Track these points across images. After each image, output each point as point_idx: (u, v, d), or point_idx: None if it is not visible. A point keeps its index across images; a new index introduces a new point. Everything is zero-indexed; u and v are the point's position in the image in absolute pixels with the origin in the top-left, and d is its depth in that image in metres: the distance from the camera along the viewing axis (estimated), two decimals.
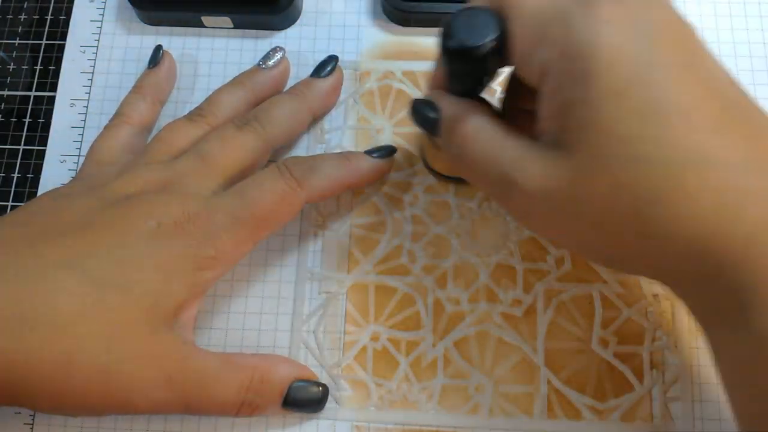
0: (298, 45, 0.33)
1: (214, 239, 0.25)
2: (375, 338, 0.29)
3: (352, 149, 0.31)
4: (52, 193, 0.27)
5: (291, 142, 0.31)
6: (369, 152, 0.29)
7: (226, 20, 0.33)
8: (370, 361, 0.28)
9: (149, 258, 0.24)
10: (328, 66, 0.31)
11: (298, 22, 0.34)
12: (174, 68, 0.32)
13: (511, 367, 0.28)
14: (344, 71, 0.32)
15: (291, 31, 0.33)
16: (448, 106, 0.24)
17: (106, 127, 0.30)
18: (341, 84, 0.32)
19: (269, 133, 0.28)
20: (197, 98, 0.32)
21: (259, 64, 0.31)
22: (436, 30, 0.32)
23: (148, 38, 0.34)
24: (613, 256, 0.22)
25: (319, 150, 0.31)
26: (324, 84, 0.30)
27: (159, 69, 0.32)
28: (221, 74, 0.33)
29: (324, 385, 0.27)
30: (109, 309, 0.23)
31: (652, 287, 0.28)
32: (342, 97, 0.32)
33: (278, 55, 0.31)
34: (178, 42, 0.34)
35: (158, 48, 0.32)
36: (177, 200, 0.25)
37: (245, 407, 0.25)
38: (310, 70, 0.31)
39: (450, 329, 0.28)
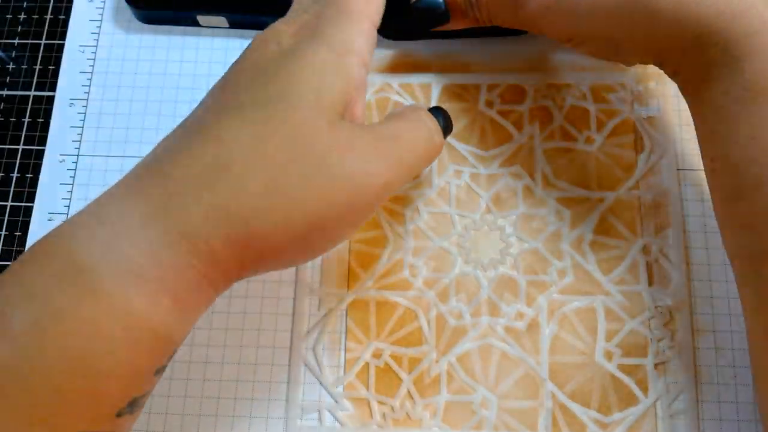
0: None
1: (345, 31, 0.23)
2: (377, 355, 0.28)
3: None
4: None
5: None
6: None
7: (221, 20, 0.33)
8: (372, 379, 0.28)
9: (288, 70, 0.22)
10: None
11: None
12: None
13: (515, 381, 0.28)
14: None
15: None
16: None
17: None
18: None
19: None
20: (197, 98, 0.32)
21: None
22: (431, 42, 0.32)
23: (147, 38, 0.34)
24: (609, 43, 0.25)
25: None
26: None
27: None
28: (221, 74, 0.32)
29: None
30: (281, 121, 0.21)
31: (655, 299, 0.28)
32: None
33: None
34: (177, 42, 0.33)
35: None
36: (281, 20, 0.24)
37: None
38: None
39: (453, 344, 0.28)
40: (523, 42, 0.32)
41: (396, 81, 0.32)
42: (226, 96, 0.22)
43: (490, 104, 0.31)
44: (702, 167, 0.30)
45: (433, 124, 0.25)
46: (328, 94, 0.22)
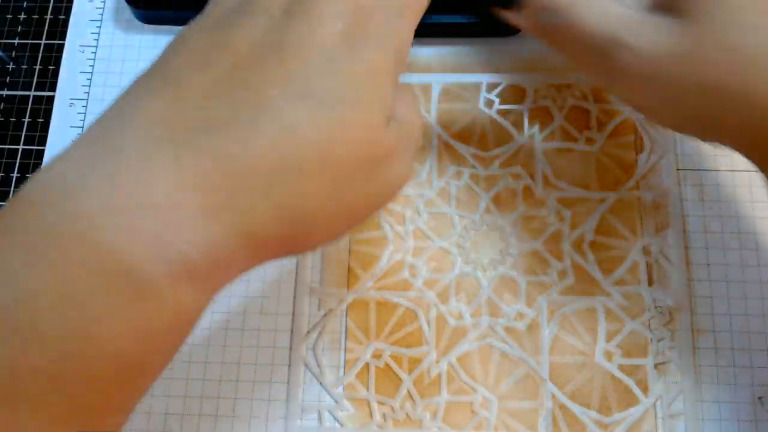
0: None
1: (396, 29, 0.22)
2: (377, 355, 0.28)
3: None
4: (195, 29, 0.22)
5: None
6: None
7: None
8: (372, 379, 0.28)
9: (358, 71, 0.21)
10: None
11: None
12: None
13: (515, 382, 0.28)
14: None
15: None
16: None
17: None
18: None
19: None
20: None
21: None
22: (431, 42, 0.32)
23: (147, 38, 0.34)
24: (710, 124, 0.23)
25: None
26: None
27: None
28: None
29: None
30: (353, 125, 0.20)
31: (655, 299, 0.28)
32: None
33: None
34: None
35: None
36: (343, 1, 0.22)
37: None
38: None
39: (453, 344, 0.28)
40: (523, 42, 0.32)
41: None
42: (292, 72, 0.20)
43: (490, 104, 0.31)
44: (702, 167, 0.30)
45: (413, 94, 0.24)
46: (388, 102, 0.21)
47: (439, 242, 0.29)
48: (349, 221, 0.21)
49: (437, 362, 0.28)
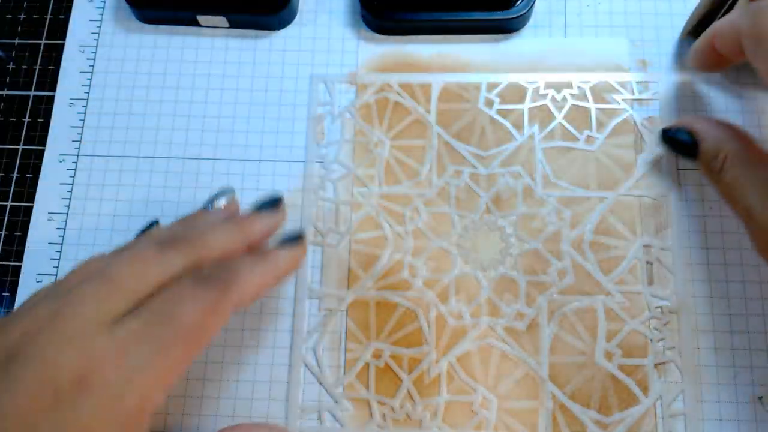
0: (298, 44, 0.33)
1: (136, 384, 0.19)
2: (377, 355, 0.28)
3: (350, 164, 0.31)
4: None
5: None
6: (281, 243, 0.25)
7: (221, 20, 0.33)
8: (372, 379, 0.28)
9: None
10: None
11: (295, 21, 0.33)
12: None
13: (515, 382, 0.28)
14: (339, 84, 0.32)
15: (289, 31, 0.33)
16: (708, 131, 0.27)
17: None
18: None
19: (199, 253, 0.23)
20: (197, 98, 0.32)
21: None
22: (431, 42, 0.32)
23: (147, 38, 0.34)
24: None
25: (316, 163, 0.31)
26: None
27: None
28: (221, 74, 0.33)
29: None
30: None
31: (655, 299, 0.28)
32: (338, 110, 0.31)
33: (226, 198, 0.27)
34: (177, 41, 0.33)
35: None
36: (71, 347, 0.18)
37: None
38: (309, 69, 0.32)
39: (452, 344, 0.28)
40: (523, 42, 0.32)
41: (396, 81, 0.32)
42: None
43: (489, 104, 0.31)
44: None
45: None
46: None
47: (439, 242, 0.29)
48: None
49: (437, 362, 0.28)
